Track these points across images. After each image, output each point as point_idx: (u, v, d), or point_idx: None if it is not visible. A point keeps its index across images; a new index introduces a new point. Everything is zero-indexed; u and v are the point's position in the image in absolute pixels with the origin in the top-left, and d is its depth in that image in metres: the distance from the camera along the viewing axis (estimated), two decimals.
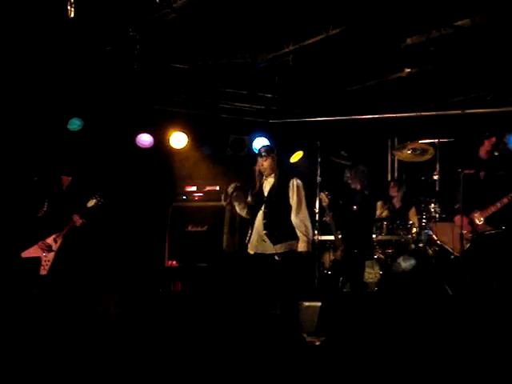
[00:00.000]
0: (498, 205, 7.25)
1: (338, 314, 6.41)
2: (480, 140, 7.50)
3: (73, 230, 7.88)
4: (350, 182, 8.33)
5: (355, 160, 8.64)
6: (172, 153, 10.31)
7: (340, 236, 8.31)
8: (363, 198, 8.30)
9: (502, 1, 7.06)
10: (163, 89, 9.83)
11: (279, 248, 6.76)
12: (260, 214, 6.94)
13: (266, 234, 6.85)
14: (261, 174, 7.17)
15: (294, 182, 6.99)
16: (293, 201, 6.90)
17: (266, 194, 7.08)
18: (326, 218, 8.56)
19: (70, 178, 8.06)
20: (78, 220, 7.78)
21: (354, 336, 3.14)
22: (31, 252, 7.88)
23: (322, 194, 8.78)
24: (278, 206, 6.92)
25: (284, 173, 7.15)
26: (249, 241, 6.99)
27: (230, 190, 7.10)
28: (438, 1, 7.16)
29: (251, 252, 6.96)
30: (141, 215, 9.95)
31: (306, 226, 6.85)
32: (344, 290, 8.23)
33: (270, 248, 6.78)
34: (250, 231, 7.03)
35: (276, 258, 6.69)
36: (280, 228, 6.86)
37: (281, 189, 6.99)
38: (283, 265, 6.67)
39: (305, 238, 6.75)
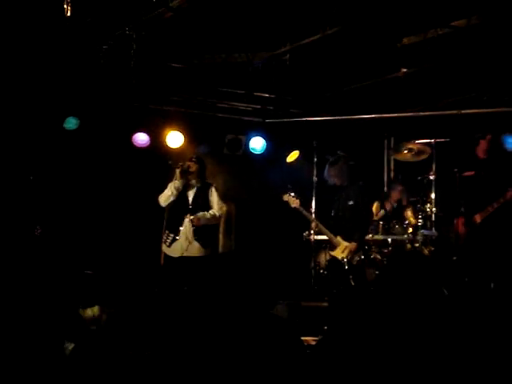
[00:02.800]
0: (495, 205, 7.26)
1: (345, 313, 6.40)
2: (476, 140, 7.51)
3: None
4: (332, 178, 8.16)
5: (337, 156, 8.51)
6: (168, 152, 10.30)
7: (338, 237, 8.09)
8: (360, 191, 8.18)
9: (499, 1, 7.06)
10: (160, 88, 9.83)
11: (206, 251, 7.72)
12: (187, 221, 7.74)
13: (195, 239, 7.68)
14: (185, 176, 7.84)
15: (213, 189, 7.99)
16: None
17: (190, 200, 7.89)
18: (315, 229, 8.39)
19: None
20: None
21: (350, 335, 3.13)
22: None
23: (285, 196, 8.39)
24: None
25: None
26: (170, 244, 7.77)
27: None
28: (435, 1, 7.16)
29: (175, 255, 7.73)
30: (137, 214, 9.94)
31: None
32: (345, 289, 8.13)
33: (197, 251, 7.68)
34: (171, 235, 7.78)
35: None
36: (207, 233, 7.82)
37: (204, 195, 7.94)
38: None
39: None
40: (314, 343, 5.39)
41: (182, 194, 7.80)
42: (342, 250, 7.97)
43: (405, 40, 8.26)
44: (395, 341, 2.97)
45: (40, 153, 8.99)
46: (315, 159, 9.57)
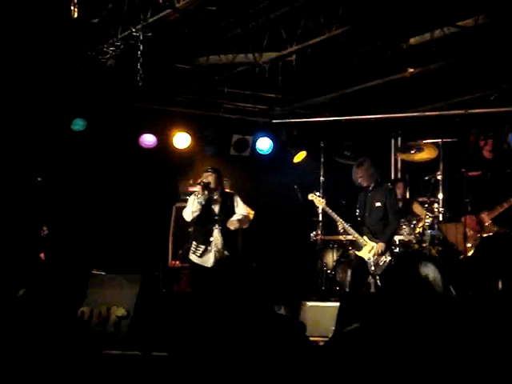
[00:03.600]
0: (505, 205, 7.24)
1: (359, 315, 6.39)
2: (480, 140, 7.49)
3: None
4: (360, 180, 8.12)
5: (359, 158, 8.51)
6: (175, 153, 10.32)
7: (365, 236, 8.02)
8: (389, 192, 8.14)
9: (505, 0, 7.05)
10: (166, 89, 9.84)
11: None
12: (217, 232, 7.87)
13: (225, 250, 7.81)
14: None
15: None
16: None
17: (217, 211, 7.92)
18: (341, 229, 8.28)
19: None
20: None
21: (358, 335, 3.13)
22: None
23: (311, 195, 8.49)
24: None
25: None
26: (202, 255, 7.80)
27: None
28: (441, 0, 7.15)
29: (208, 265, 7.73)
30: (144, 215, 9.96)
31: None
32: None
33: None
34: (202, 246, 7.83)
35: None
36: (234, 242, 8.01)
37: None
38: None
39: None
40: (322, 344, 5.38)
41: (205, 206, 7.85)
42: (368, 250, 7.92)
43: (411, 40, 8.26)
44: (405, 342, 2.96)
45: (47, 154, 9.01)
46: (322, 159, 9.56)
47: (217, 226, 7.90)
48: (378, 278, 7.88)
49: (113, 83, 9.32)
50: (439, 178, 8.72)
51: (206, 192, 7.82)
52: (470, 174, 7.51)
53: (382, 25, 7.61)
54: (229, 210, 7.98)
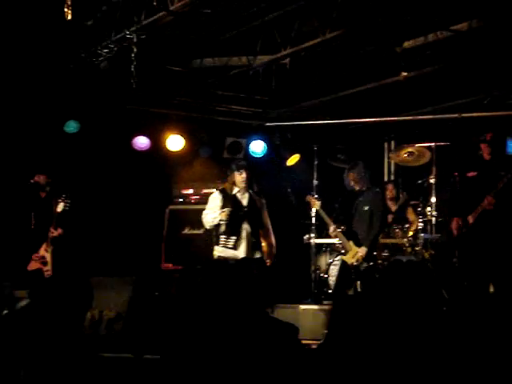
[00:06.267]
0: (483, 204, 7.25)
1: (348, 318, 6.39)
2: (477, 143, 7.48)
3: (61, 236, 7.92)
4: (353, 184, 8.13)
5: (351, 161, 8.55)
6: (169, 155, 10.31)
7: (351, 241, 8.03)
8: (375, 197, 8.15)
9: (499, 5, 7.07)
10: (160, 91, 9.83)
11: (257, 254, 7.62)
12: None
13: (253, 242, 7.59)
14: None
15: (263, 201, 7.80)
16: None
17: (245, 203, 7.68)
18: (332, 233, 8.27)
19: (44, 178, 8.07)
20: (53, 232, 7.82)
21: (350, 339, 3.13)
22: (32, 266, 7.91)
23: (308, 197, 8.56)
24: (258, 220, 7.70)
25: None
26: (235, 247, 7.51)
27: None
28: (435, 5, 7.17)
29: (239, 256, 7.38)
30: (137, 218, 9.94)
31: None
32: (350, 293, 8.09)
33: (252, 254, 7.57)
34: (233, 238, 7.56)
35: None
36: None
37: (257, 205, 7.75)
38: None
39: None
40: (314, 347, 5.38)
41: (234, 201, 7.67)
42: (352, 255, 7.95)
43: (405, 44, 8.27)
44: (396, 345, 2.97)
45: (40, 156, 8.98)
46: (316, 162, 9.55)
47: (246, 221, 7.63)
48: (359, 283, 7.89)
49: (106, 85, 9.30)
50: (432, 181, 8.73)
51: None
52: (469, 174, 7.50)
53: (376, 28, 7.63)
54: (256, 204, 7.75)
